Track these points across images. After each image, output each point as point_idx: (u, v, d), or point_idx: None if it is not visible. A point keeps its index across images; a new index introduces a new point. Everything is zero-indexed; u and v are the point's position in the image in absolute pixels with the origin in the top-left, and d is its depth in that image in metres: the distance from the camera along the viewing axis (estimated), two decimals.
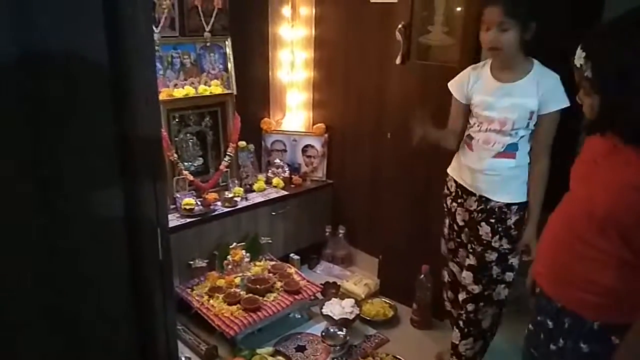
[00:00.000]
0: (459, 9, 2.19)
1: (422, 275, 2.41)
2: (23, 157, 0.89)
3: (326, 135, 2.97)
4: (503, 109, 1.79)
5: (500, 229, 1.88)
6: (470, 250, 1.96)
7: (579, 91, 1.16)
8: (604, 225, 1.12)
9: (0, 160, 0.87)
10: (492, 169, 1.84)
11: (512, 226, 1.87)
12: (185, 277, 2.41)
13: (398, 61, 2.36)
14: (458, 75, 1.95)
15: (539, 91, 1.73)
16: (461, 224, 2.00)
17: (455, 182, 1.99)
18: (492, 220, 1.89)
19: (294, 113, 3.05)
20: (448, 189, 2.04)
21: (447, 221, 2.07)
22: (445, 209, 2.07)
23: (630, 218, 1.07)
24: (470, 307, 1.98)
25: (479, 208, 1.91)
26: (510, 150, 1.81)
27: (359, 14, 2.65)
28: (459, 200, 1.98)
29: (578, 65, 1.08)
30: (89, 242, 1.00)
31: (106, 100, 0.98)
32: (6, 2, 0.82)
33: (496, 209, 1.87)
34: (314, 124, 3.03)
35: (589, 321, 1.19)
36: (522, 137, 1.80)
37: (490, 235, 1.90)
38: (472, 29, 1.94)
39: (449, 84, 1.97)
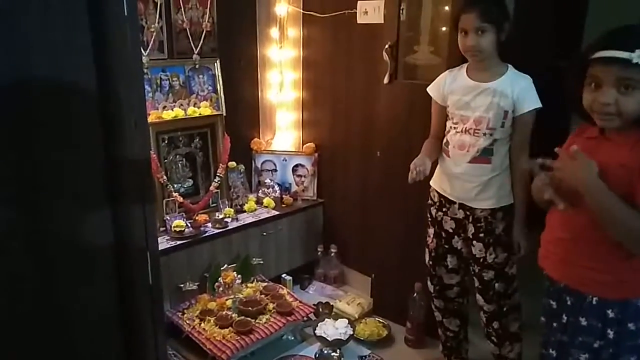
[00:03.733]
0: (444, 28, 2.23)
1: (416, 294, 2.39)
2: (8, 181, 0.88)
3: (316, 154, 2.98)
4: (478, 108, 1.84)
5: (490, 241, 1.90)
6: (472, 272, 2.01)
7: (595, 91, 1.23)
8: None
9: None
10: (468, 174, 1.89)
11: (502, 234, 1.90)
12: (175, 300, 2.37)
13: (386, 81, 2.39)
14: (436, 79, 2.01)
15: (514, 92, 1.80)
16: (450, 230, 2.02)
17: (437, 192, 2.03)
18: (482, 235, 1.91)
19: (284, 133, 3.06)
20: (431, 199, 2.08)
21: (431, 230, 2.11)
22: (430, 219, 2.10)
23: (619, 191, 1.21)
24: (495, 324, 2.02)
25: (464, 216, 1.94)
26: (485, 155, 1.86)
27: (346, 35, 2.69)
28: (444, 209, 2.02)
29: (636, 62, 1.14)
30: (76, 266, 0.98)
31: (95, 123, 0.98)
32: None
33: (482, 219, 1.90)
34: (303, 144, 3.04)
35: (589, 296, 1.31)
36: (496, 140, 1.84)
37: (483, 251, 1.92)
38: (458, 48, 1.97)
39: (427, 88, 2.03)
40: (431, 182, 2.07)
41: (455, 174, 1.93)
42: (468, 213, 1.94)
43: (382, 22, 2.43)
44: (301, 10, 2.84)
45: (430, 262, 2.14)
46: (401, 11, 2.30)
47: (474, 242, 1.95)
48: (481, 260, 1.95)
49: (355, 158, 2.81)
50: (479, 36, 1.77)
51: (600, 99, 1.22)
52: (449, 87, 1.94)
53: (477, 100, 1.85)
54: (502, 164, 1.88)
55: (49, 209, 0.95)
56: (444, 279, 2.12)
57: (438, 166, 2.04)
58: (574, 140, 1.37)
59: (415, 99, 2.31)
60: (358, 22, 2.58)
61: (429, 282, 2.19)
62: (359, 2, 2.55)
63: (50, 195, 0.95)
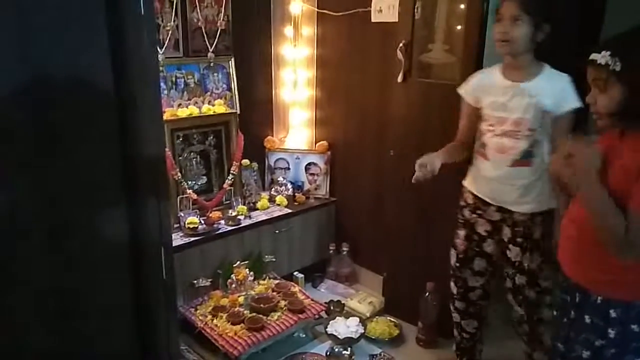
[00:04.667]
0: (459, 27, 2.21)
1: (428, 293, 2.38)
2: (28, 176, 0.90)
3: (329, 152, 2.98)
4: (516, 109, 1.78)
5: (528, 246, 1.85)
6: (505, 275, 1.96)
7: (590, 91, 1.32)
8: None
9: (8, 178, 0.88)
10: (508, 178, 1.82)
11: (540, 238, 1.84)
12: (188, 296, 2.40)
13: (399, 79, 2.38)
14: (468, 79, 1.95)
15: (553, 91, 1.74)
16: (484, 234, 1.97)
17: (472, 194, 1.97)
18: (519, 239, 1.86)
19: (297, 131, 3.07)
20: (465, 200, 2.01)
21: (462, 232, 2.03)
22: (462, 220, 2.03)
23: (618, 190, 1.26)
24: (525, 327, 1.99)
25: (501, 218, 1.89)
26: (526, 158, 1.80)
27: (361, 33, 2.68)
28: (478, 212, 1.95)
29: (603, 63, 1.25)
30: (92, 260, 1.00)
31: (111, 120, 0.99)
32: (15, 31, 0.84)
33: (520, 223, 1.85)
34: (316, 142, 3.04)
35: (594, 295, 1.35)
36: (536, 141, 1.78)
37: (520, 255, 1.87)
38: (473, 47, 1.96)
39: (458, 89, 1.96)
40: (465, 183, 2.01)
41: (494, 177, 1.86)
42: (506, 216, 1.87)
43: (397, 20, 2.41)
44: (315, 9, 2.84)
45: (457, 264, 2.08)
46: (416, 9, 2.29)
47: (510, 245, 1.88)
48: (516, 264, 1.88)
49: (368, 157, 2.81)
50: (513, 25, 1.71)
51: (588, 99, 1.36)
52: (483, 87, 1.87)
53: (514, 101, 1.78)
54: (543, 166, 1.80)
55: (65, 204, 0.97)
56: (469, 282, 2.07)
57: (473, 169, 1.97)
58: (599, 143, 1.40)
59: (429, 98, 2.30)
60: (372, 20, 2.58)
61: (452, 284, 2.14)
62: (373, 0, 2.55)
63: (67, 191, 0.97)
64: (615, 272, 1.31)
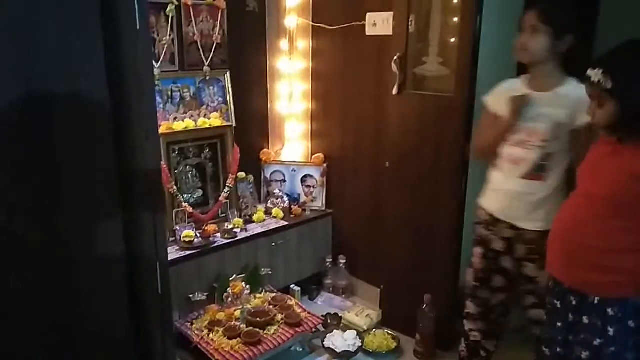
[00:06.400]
0: (453, 40, 2.24)
1: (425, 305, 2.37)
2: (24, 190, 0.90)
3: (325, 165, 2.99)
4: (530, 118, 1.76)
5: (542, 264, 1.74)
6: (526, 291, 1.90)
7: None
8: (612, 210, 1.36)
9: (2, 191, 0.87)
10: (519, 191, 1.80)
11: None
12: (184, 310, 2.38)
13: (394, 92, 2.40)
14: (495, 89, 1.92)
15: (570, 103, 1.70)
16: (499, 250, 1.92)
17: (485, 211, 1.94)
18: (534, 256, 1.80)
19: (293, 143, 3.08)
20: (479, 217, 1.98)
21: (478, 250, 1.98)
22: (478, 238, 1.98)
23: (631, 198, 1.34)
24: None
25: (514, 236, 1.85)
26: (538, 172, 1.77)
27: (355, 47, 2.70)
28: (492, 229, 1.92)
29: (596, 81, 1.34)
30: (88, 274, 0.99)
31: (107, 134, 0.99)
32: (12, 45, 0.85)
33: (531, 241, 1.80)
34: (312, 154, 3.05)
35: (591, 297, 1.39)
36: (549, 154, 1.76)
37: (535, 271, 1.82)
38: (467, 59, 1.98)
39: (483, 98, 1.93)
40: (480, 201, 1.97)
41: (506, 190, 1.84)
42: (518, 233, 1.84)
43: (391, 33, 2.44)
44: (311, 23, 2.87)
45: (476, 283, 2.02)
46: (410, 23, 2.31)
47: (526, 262, 1.85)
48: (535, 279, 1.83)
49: (364, 169, 2.81)
50: (531, 35, 1.71)
51: (587, 111, 1.46)
52: (504, 96, 1.83)
53: (528, 110, 1.76)
54: (556, 183, 1.77)
55: (62, 218, 0.97)
56: (491, 301, 2.00)
57: (488, 184, 1.94)
58: (596, 147, 1.49)
59: (424, 110, 2.31)
60: (367, 34, 2.60)
61: (470, 304, 2.07)
62: (367, 14, 2.57)
63: (63, 205, 0.96)
64: (610, 274, 1.36)
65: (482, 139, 1.97)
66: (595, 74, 1.34)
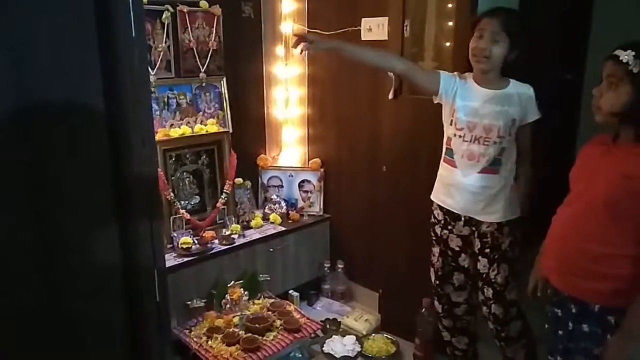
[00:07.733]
0: (447, 44, 2.25)
1: (424, 309, 2.37)
2: (18, 198, 0.89)
3: (322, 170, 2.99)
4: (487, 115, 1.83)
5: (496, 257, 1.88)
6: (478, 287, 1.99)
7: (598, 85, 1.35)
8: (606, 212, 1.33)
9: (1, 203, 0.87)
10: (477, 186, 1.86)
11: (508, 249, 1.88)
12: (183, 317, 2.36)
13: (390, 96, 2.41)
14: (450, 73, 1.95)
15: (521, 100, 1.82)
16: (456, 249, 2.00)
17: (441, 208, 2.00)
18: (487, 250, 1.90)
19: (290, 149, 3.08)
20: (435, 217, 2.05)
21: (436, 249, 2.08)
22: (435, 237, 2.07)
23: (627, 204, 1.30)
24: (499, 342, 2.01)
25: (470, 232, 1.93)
26: (493, 166, 1.85)
27: None
28: (449, 227, 1.99)
29: (624, 61, 1.28)
30: (84, 282, 0.99)
31: (103, 141, 0.99)
32: (6, 54, 0.85)
33: (488, 234, 1.88)
34: (309, 159, 3.05)
35: (592, 305, 1.37)
36: (504, 149, 1.83)
37: (487, 267, 1.90)
38: (462, 64, 1.98)
39: (441, 72, 1.94)
40: (432, 197, 2.04)
41: (463, 185, 1.89)
42: (474, 229, 1.92)
43: (386, 38, 2.45)
44: (306, 29, 2.88)
45: (437, 282, 2.11)
46: (405, 27, 2.33)
47: (480, 257, 1.93)
48: (484, 275, 1.93)
49: (361, 173, 2.81)
50: (492, 43, 1.76)
51: (593, 91, 1.37)
52: (459, 89, 1.88)
53: (486, 107, 1.83)
54: (509, 175, 1.87)
55: (57, 226, 0.96)
56: (452, 297, 2.10)
57: (439, 178, 2.01)
58: (587, 149, 1.47)
59: (419, 114, 2.32)
60: (362, 38, 2.61)
61: (436, 302, 2.16)
62: (363, 19, 2.59)
63: (58, 212, 0.96)
64: (610, 282, 1.34)
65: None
66: (626, 55, 1.28)
